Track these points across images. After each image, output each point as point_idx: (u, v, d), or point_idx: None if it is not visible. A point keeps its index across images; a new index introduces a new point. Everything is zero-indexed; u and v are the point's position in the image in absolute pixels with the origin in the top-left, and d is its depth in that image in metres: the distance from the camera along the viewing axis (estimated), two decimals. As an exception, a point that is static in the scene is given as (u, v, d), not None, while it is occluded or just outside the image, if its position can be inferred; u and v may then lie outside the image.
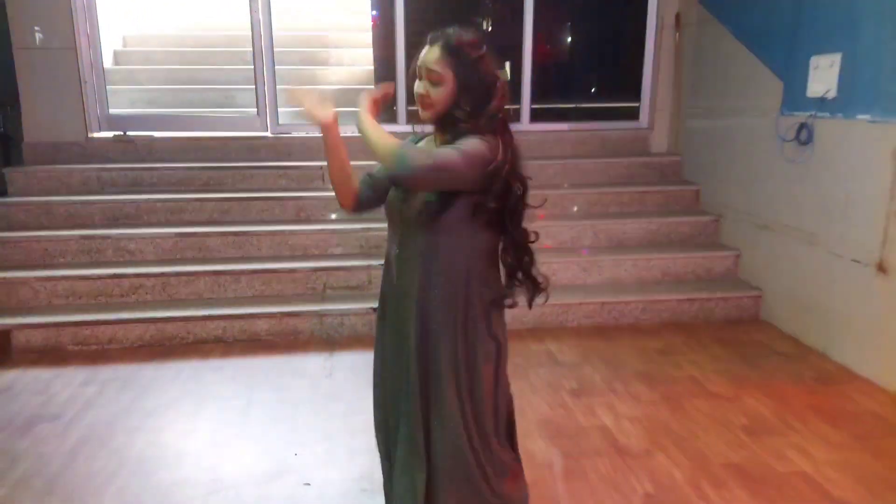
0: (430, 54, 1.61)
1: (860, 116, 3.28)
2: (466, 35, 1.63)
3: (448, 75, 1.61)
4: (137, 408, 3.01)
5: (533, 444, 2.66)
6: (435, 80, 1.61)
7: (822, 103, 3.52)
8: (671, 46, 5.04)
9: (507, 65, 5.73)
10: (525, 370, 3.32)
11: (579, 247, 4.31)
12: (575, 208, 4.60)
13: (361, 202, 1.79)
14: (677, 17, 4.99)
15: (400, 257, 1.74)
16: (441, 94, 1.61)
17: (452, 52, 1.60)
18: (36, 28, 4.59)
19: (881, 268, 3.13)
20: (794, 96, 3.73)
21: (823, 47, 3.51)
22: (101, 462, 2.59)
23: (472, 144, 1.57)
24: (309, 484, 2.41)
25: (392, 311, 1.81)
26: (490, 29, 5.72)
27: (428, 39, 1.65)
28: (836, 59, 3.41)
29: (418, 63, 1.63)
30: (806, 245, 3.64)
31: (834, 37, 3.44)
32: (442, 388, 1.70)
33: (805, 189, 3.65)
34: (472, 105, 1.61)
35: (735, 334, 3.80)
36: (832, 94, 3.45)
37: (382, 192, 1.78)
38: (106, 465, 2.57)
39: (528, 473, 2.43)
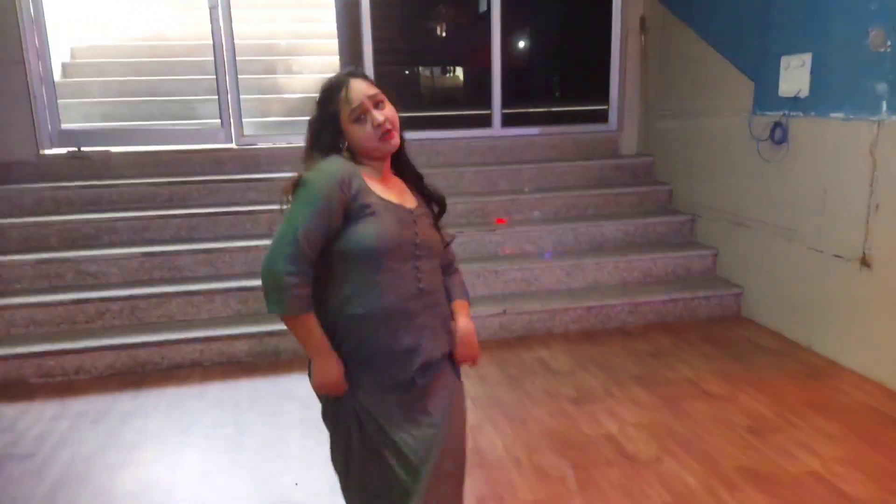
0: (361, 84, 1.57)
1: (833, 115, 3.34)
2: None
3: (384, 96, 1.61)
4: (116, 442, 2.82)
5: (543, 459, 2.59)
6: (381, 100, 1.58)
7: (794, 102, 3.58)
8: (637, 49, 5.09)
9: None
10: (520, 380, 3.26)
11: (562, 251, 4.29)
12: (536, 213, 4.56)
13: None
14: (642, 20, 5.05)
15: (424, 298, 1.58)
16: (393, 111, 1.60)
17: (367, 76, 1.64)
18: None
19: (864, 262, 3.20)
20: (766, 96, 3.79)
21: (793, 47, 3.58)
22: (84, 502, 2.40)
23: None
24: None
25: (420, 373, 1.57)
26: (455, 34, 5.68)
27: (344, 80, 1.58)
28: (807, 58, 3.48)
29: (355, 104, 1.55)
30: (785, 241, 3.71)
31: (804, 37, 3.51)
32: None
33: (781, 186, 3.71)
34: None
35: (720, 332, 3.83)
36: (804, 93, 3.52)
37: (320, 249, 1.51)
38: (89, 507, 2.38)
39: (544, 492, 2.38)
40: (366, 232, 1.50)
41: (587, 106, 5.39)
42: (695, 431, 2.77)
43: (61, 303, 3.64)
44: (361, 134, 1.56)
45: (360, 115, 1.55)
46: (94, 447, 2.77)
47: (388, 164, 1.65)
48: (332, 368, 1.52)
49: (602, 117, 5.29)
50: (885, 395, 3.04)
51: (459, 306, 1.72)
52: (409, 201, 1.63)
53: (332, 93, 1.57)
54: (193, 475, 2.58)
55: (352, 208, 1.50)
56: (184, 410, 3.09)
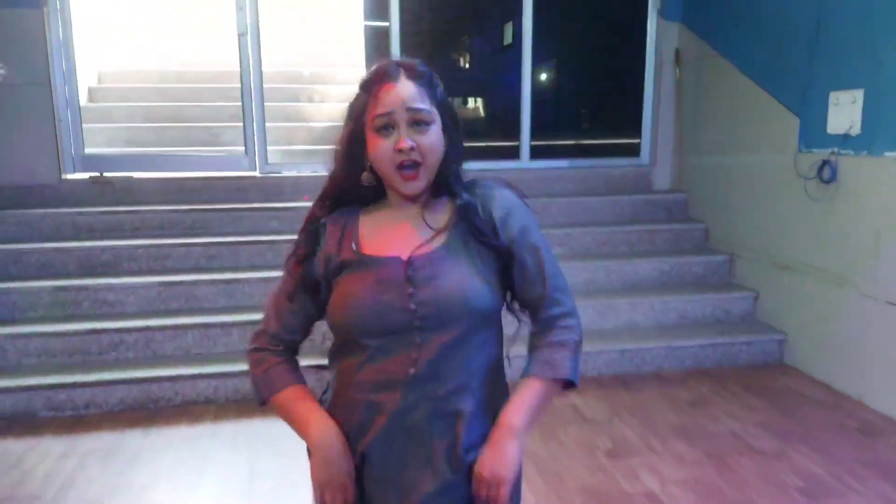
0: (408, 88, 1.14)
1: (889, 153, 3.17)
2: (421, 66, 1.20)
3: (434, 116, 1.16)
4: (127, 483, 2.66)
5: (579, 518, 2.40)
6: (422, 120, 1.14)
7: (844, 140, 3.41)
8: (671, 82, 4.96)
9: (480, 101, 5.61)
10: (553, 429, 3.06)
11: (594, 290, 4.11)
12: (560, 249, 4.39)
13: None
14: (677, 52, 4.93)
15: (416, 390, 1.22)
16: (436, 140, 1.15)
17: (430, 83, 1.18)
18: (-1, 63, 4.27)
19: (924, 311, 2.99)
20: (813, 132, 3.62)
21: (843, 82, 3.41)
22: (87, 556, 2.24)
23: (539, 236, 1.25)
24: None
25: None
26: (485, 65, 5.61)
27: (374, 79, 1.16)
28: (859, 94, 3.32)
29: (383, 110, 1.13)
30: (833, 286, 3.50)
31: (854, 71, 3.35)
32: None
33: (830, 228, 3.52)
34: (458, 158, 1.22)
35: (763, 381, 3.61)
36: (855, 130, 3.34)
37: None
38: (93, 559, 2.22)
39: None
40: (334, 301, 1.19)
41: (619, 139, 5.26)
42: (745, 492, 2.55)
43: (76, 332, 3.52)
44: (378, 151, 1.14)
45: (385, 126, 1.14)
46: (103, 489, 2.62)
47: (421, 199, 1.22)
48: (332, 448, 1.19)
49: (634, 151, 5.14)
50: (951, 457, 2.80)
51: (511, 407, 1.18)
52: (425, 241, 1.18)
53: (369, 84, 1.17)
54: (205, 525, 2.41)
55: (329, 269, 1.21)
56: (196, 450, 2.94)
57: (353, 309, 1.15)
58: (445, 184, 1.21)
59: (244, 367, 3.60)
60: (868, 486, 2.59)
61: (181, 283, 3.85)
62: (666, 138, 5.02)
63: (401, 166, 1.13)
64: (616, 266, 4.22)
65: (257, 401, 1.27)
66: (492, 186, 1.24)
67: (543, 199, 4.71)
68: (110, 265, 3.99)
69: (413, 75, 1.16)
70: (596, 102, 5.53)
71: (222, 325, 3.66)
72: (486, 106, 5.81)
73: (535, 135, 4.98)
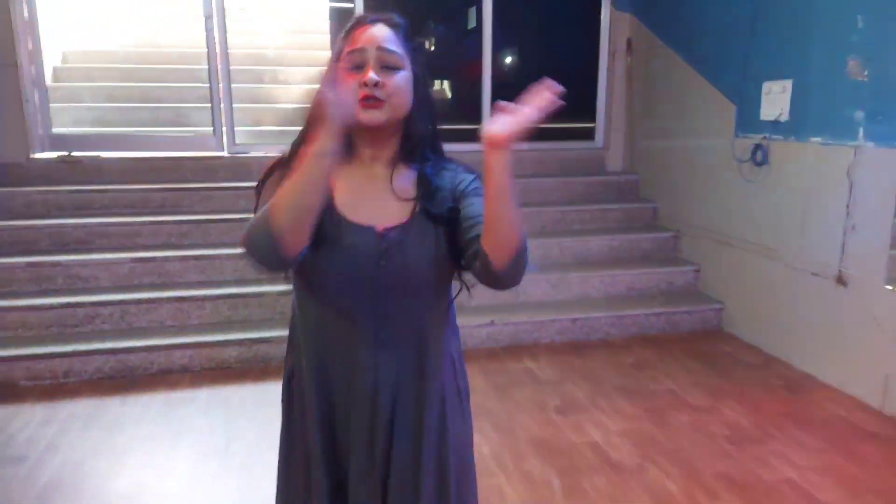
0: (380, 31, 1.18)
1: (813, 139, 3.48)
2: (404, 22, 1.24)
3: (406, 63, 1.19)
4: (107, 447, 2.83)
5: (529, 465, 2.66)
6: (392, 65, 1.17)
7: (775, 126, 3.72)
8: (623, 70, 5.23)
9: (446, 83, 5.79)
10: (508, 389, 3.33)
11: (548, 265, 4.37)
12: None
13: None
14: (628, 42, 5.19)
15: (385, 352, 1.31)
16: (403, 84, 1.18)
17: (406, 35, 1.22)
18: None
19: (840, 280, 3.32)
20: (748, 119, 3.93)
21: (775, 73, 3.72)
22: (76, 507, 2.42)
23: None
24: None
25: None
26: (446, 49, 5.79)
27: (359, 20, 1.21)
28: (788, 84, 3.63)
29: (356, 45, 1.17)
30: (765, 259, 3.83)
31: (785, 64, 3.65)
32: None
33: (763, 207, 3.84)
34: (430, 118, 1.26)
35: (702, 346, 3.93)
36: (784, 117, 3.65)
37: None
38: (82, 509, 2.40)
39: (530, 496, 2.45)
40: (306, 258, 1.16)
41: (574, 123, 5.52)
42: (677, 441, 2.86)
43: (52, 306, 3.64)
44: (346, 88, 1.12)
45: (357, 66, 1.16)
46: (85, 452, 2.78)
47: (388, 148, 1.24)
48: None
49: (589, 135, 5.41)
50: (859, 408, 3.15)
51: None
52: (395, 212, 1.23)
53: (347, 30, 1.21)
54: (184, 481, 2.60)
55: None
56: (174, 416, 3.11)
57: (324, 273, 1.21)
58: (418, 148, 1.25)
59: (219, 336, 3.75)
60: (786, 433, 2.92)
61: (153, 258, 3.98)
62: (618, 123, 5.31)
63: (359, 98, 1.14)
64: (569, 242, 4.50)
65: (272, 231, 1.10)
66: (463, 170, 1.30)
67: (503, 180, 4.95)
68: (82, 242, 4.09)
69: (389, 23, 1.21)
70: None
71: (194, 299, 3.82)
72: (451, 89, 5.99)
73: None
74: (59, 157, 4.61)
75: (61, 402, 3.22)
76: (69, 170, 4.55)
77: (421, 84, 1.24)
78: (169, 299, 3.79)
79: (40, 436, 2.90)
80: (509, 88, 5.77)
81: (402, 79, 1.18)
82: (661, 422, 3.03)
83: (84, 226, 4.13)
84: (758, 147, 3.82)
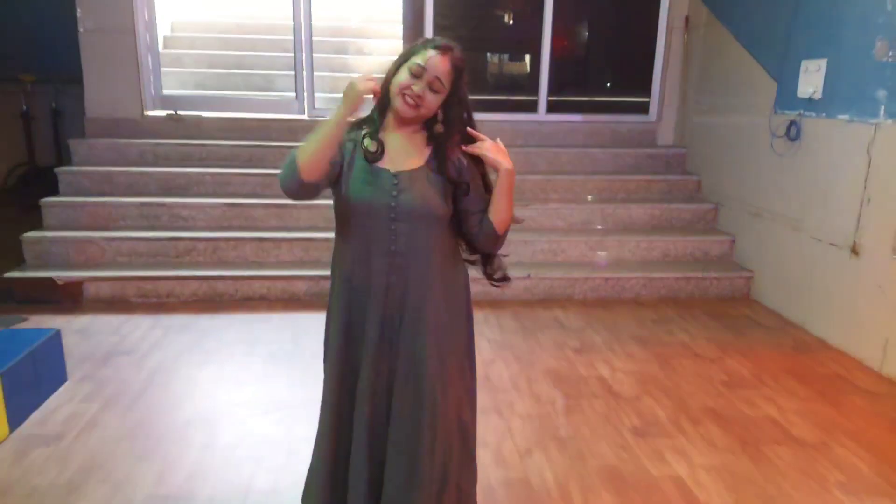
0: (442, 65, 1.66)
1: (840, 116, 3.67)
2: (462, 56, 1.73)
3: (445, 89, 1.69)
4: (198, 348, 3.49)
5: (539, 387, 3.11)
6: (436, 89, 1.67)
7: (809, 103, 3.91)
8: (680, 46, 5.43)
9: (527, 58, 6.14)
10: (533, 332, 3.76)
11: (587, 229, 4.73)
12: (589, 197, 5.02)
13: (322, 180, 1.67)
14: (686, 19, 5.38)
15: (394, 259, 1.74)
16: (435, 103, 1.69)
17: (457, 72, 1.70)
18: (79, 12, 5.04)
19: (854, 250, 3.54)
20: (786, 96, 4.12)
21: (812, 52, 3.90)
22: (173, 386, 3.08)
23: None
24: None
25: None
26: (511, 23, 6.13)
27: (435, 45, 1.68)
28: (823, 63, 3.81)
29: (421, 63, 1.65)
30: (792, 230, 4.05)
31: (821, 43, 3.83)
32: None
33: (792, 180, 4.05)
34: (454, 120, 1.74)
35: (725, 309, 4.22)
36: (818, 94, 3.84)
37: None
38: (177, 389, 3.06)
39: (535, 410, 2.90)
40: (340, 189, 1.70)
41: (630, 97, 5.77)
42: (675, 381, 3.22)
43: (158, 239, 4.36)
44: (399, 78, 1.66)
45: (416, 73, 1.64)
46: (181, 349, 3.46)
47: (414, 125, 1.73)
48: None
49: (643, 109, 5.66)
50: (858, 368, 3.39)
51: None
52: (408, 164, 1.71)
53: (426, 43, 1.69)
54: (258, 374, 3.21)
55: (342, 164, 1.70)
56: (252, 331, 3.74)
57: (356, 200, 1.70)
58: (434, 131, 1.76)
59: (292, 272, 4.36)
60: (780, 383, 3.23)
61: (241, 204, 4.64)
62: (672, 98, 5.53)
63: (405, 97, 1.67)
64: (611, 209, 4.83)
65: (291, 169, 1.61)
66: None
67: (555, 149, 5.33)
68: (183, 188, 4.81)
69: (454, 61, 1.69)
70: (612, 62, 6.04)
71: (274, 241, 4.45)
72: (515, 62, 6.34)
73: (552, 91, 5.55)
74: (167, 114, 5.35)
75: (163, 315, 3.93)
76: (175, 126, 5.28)
77: (454, 99, 1.72)
78: (252, 239, 4.44)
79: (147, 337, 3.60)
80: (569, 63, 6.10)
81: (435, 100, 1.69)
82: (665, 365, 3.39)
83: (185, 174, 4.83)
84: (792, 123, 4.02)
